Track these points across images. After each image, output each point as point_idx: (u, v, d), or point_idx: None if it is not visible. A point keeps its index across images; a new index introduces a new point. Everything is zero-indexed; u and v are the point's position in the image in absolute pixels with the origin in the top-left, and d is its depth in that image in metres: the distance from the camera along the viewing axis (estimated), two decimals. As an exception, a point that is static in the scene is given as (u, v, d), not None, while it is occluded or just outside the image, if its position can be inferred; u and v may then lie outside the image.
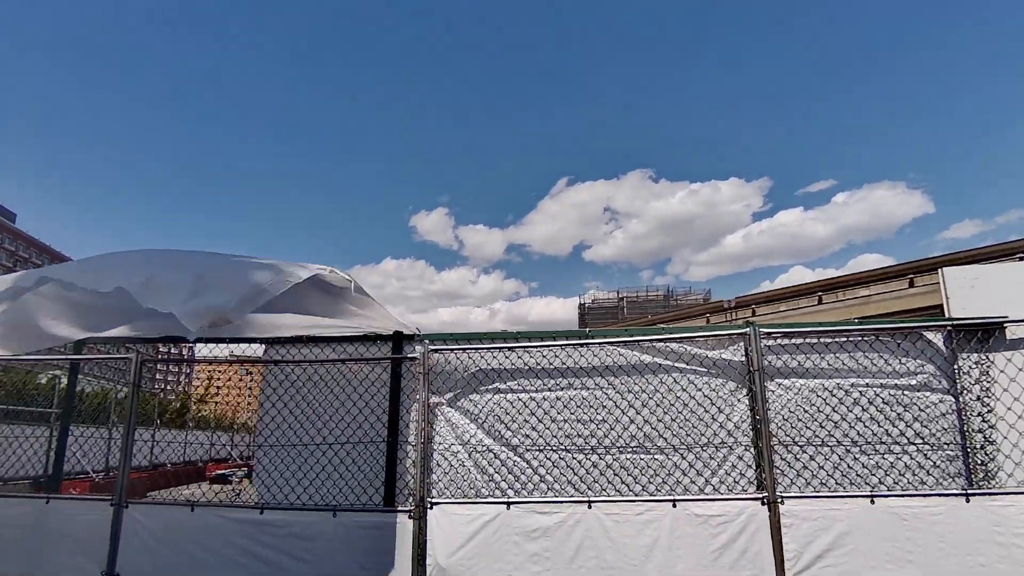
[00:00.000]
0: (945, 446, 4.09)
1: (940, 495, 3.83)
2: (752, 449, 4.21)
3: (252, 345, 4.97)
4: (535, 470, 4.44)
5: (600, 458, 4.39)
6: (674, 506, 3.98)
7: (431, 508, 4.25)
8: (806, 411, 4.23)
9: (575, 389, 4.53)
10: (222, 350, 4.97)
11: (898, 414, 4.15)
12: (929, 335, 4.23)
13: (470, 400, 4.61)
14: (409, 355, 4.68)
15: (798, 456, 4.17)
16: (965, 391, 4.10)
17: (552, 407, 4.52)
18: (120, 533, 4.46)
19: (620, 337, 4.52)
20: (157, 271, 3.12)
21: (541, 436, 4.48)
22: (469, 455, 4.52)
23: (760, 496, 3.94)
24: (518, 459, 4.47)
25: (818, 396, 4.24)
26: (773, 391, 4.26)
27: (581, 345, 4.52)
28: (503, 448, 4.50)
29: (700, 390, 4.38)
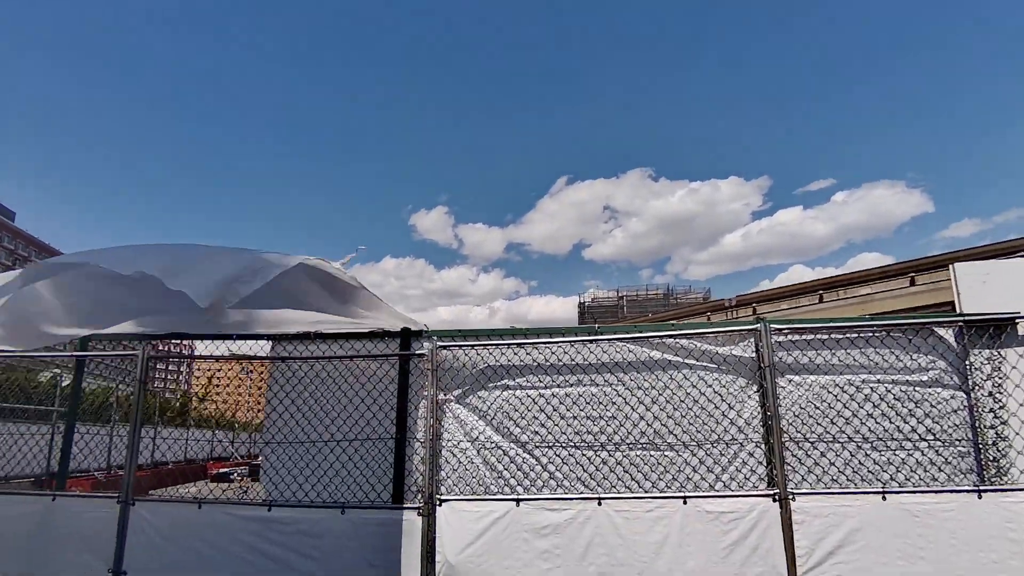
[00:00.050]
0: (957, 442, 4.06)
1: (952, 491, 3.81)
2: (763, 446, 4.19)
3: (254, 343, 4.93)
4: (544, 467, 4.42)
5: (610, 455, 4.37)
6: (685, 503, 3.96)
7: (440, 505, 4.23)
8: (817, 407, 4.21)
9: (584, 385, 4.50)
10: (218, 347, 4.93)
11: (909, 410, 4.13)
12: (940, 331, 4.21)
13: (478, 397, 4.59)
14: (417, 351, 4.66)
15: (809, 452, 4.15)
16: (977, 387, 4.08)
17: (561, 404, 4.50)
18: (127, 530, 4.45)
19: (630, 333, 4.49)
20: (178, 257, 3.18)
21: (550, 433, 4.46)
22: (478, 452, 4.49)
23: (771, 493, 3.93)
24: (527, 456, 4.45)
25: (829, 392, 4.22)
26: (784, 387, 4.23)
27: (590, 341, 4.49)
28: (512, 445, 4.48)
29: (710, 386, 4.36)
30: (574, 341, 4.50)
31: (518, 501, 4.13)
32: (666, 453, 4.31)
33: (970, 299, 4.26)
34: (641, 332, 4.50)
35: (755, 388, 4.28)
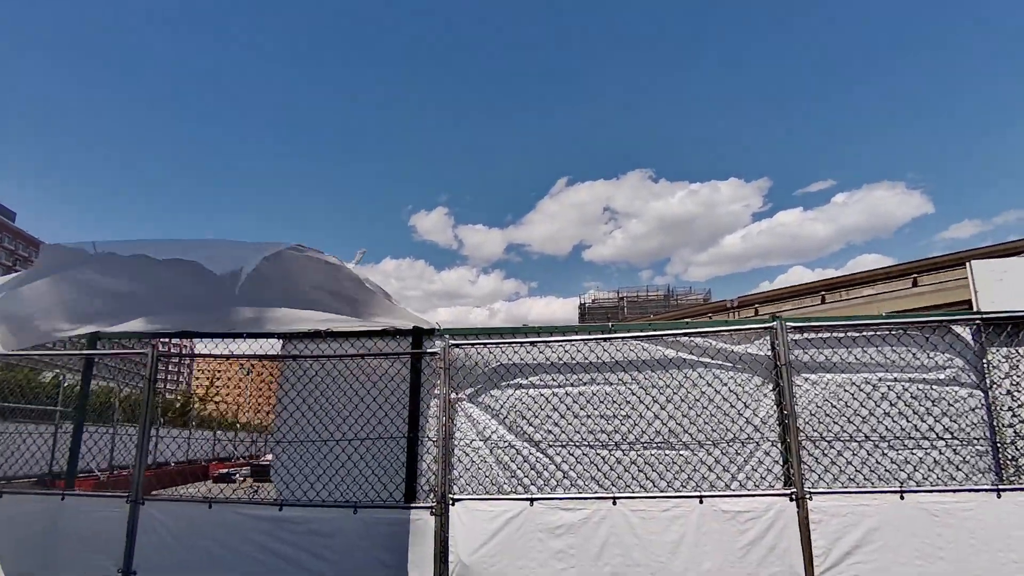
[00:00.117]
0: (975, 441, 4.03)
1: (971, 490, 3.78)
2: (779, 444, 4.15)
3: (263, 342, 4.89)
4: (558, 466, 4.38)
5: (624, 454, 4.34)
6: (701, 502, 3.93)
7: (453, 504, 4.19)
8: (833, 406, 4.18)
9: (598, 384, 4.47)
10: (227, 345, 4.90)
11: (927, 409, 4.10)
12: (957, 329, 4.18)
13: (491, 395, 4.56)
14: (429, 350, 4.63)
15: (826, 452, 4.12)
16: (995, 385, 4.05)
17: (575, 402, 4.46)
18: (137, 530, 4.41)
19: (644, 331, 4.46)
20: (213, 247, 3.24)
21: (564, 432, 4.43)
22: (491, 451, 4.46)
23: (788, 492, 3.90)
24: (540, 455, 4.42)
25: (845, 391, 4.19)
26: (800, 386, 4.20)
27: (604, 340, 4.46)
28: (525, 444, 4.44)
29: (725, 385, 4.32)
30: (587, 339, 4.47)
31: (532, 501, 4.10)
32: (681, 452, 4.28)
33: (987, 297, 4.23)
34: (655, 330, 4.46)
35: (771, 386, 4.25)
